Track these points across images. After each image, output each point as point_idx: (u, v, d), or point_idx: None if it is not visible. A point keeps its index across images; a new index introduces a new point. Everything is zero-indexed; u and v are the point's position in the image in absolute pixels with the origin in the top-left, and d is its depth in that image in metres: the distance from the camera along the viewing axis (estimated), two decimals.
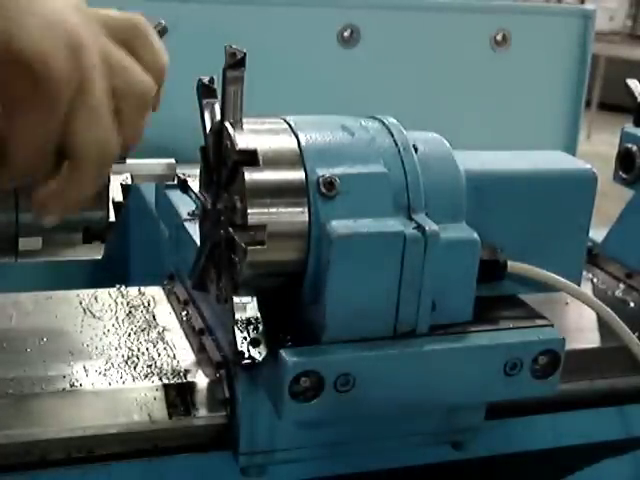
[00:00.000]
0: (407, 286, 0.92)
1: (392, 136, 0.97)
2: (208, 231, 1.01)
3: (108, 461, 1.01)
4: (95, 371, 1.07)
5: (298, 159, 0.93)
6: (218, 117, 0.97)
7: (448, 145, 1.01)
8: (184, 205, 1.26)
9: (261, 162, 0.91)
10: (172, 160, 1.11)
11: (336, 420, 1.00)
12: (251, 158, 0.91)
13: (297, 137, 0.94)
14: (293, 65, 1.88)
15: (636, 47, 8.81)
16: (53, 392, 1.03)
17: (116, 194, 1.05)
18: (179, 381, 1.06)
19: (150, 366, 1.09)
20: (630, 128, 1.51)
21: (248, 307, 0.92)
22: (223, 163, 0.96)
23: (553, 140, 2.10)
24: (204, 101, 0.99)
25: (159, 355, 1.12)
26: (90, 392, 1.04)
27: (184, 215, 1.24)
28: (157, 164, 1.10)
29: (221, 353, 1.08)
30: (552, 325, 1.02)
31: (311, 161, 0.92)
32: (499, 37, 2.01)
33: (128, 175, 1.07)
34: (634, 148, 1.47)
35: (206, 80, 0.99)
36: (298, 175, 0.92)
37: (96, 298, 1.25)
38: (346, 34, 1.89)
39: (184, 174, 1.09)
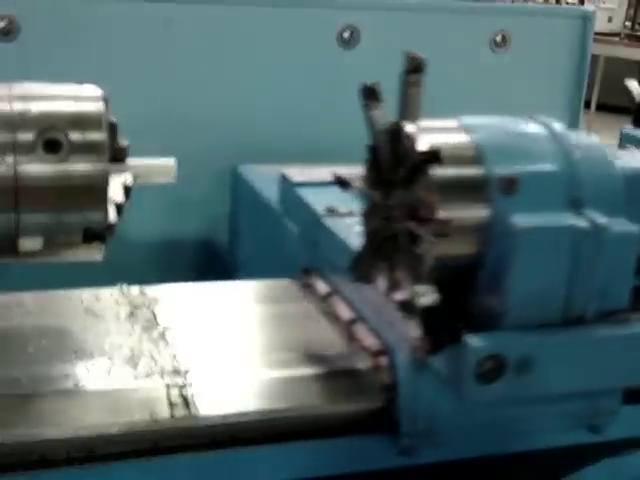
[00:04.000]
0: (579, 275, 0.97)
1: (556, 137, 1.02)
2: (378, 226, 1.04)
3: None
4: (97, 371, 1.07)
5: (478, 157, 0.98)
6: (383, 119, 1.03)
7: (602, 145, 1.06)
8: (318, 202, 1.33)
9: (444, 160, 0.96)
10: (172, 160, 1.12)
11: (514, 402, 1.05)
12: (435, 157, 0.96)
13: (474, 136, 0.99)
14: (293, 66, 1.88)
15: (635, 48, 8.81)
16: (55, 391, 1.03)
17: (116, 194, 1.05)
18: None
19: (151, 366, 1.09)
20: (629, 129, 1.51)
21: (429, 296, 0.98)
22: (399, 161, 1.00)
23: None
24: (369, 103, 1.05)
25: (160, 354, 1.12)
26: (93, 392, 1.04)
27: (321, 212, 1.31)
28: (157, 164, 1.11)
29: (379, 341, 1.13)
30: None
31: (490, 159, 0.97)
32: (499, 38, 2.02)
33: (128, 175, 1.07)
34: (633, 149, 1.48)
35: (370, 83, 1.05)
36: (479, 172, 0.97)
37: (98, 298, 1.25)
38: (346, 35, 1.90)
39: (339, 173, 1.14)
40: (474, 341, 0.95)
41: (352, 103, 1.95)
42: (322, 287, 1.31)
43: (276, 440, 1.05)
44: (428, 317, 0.97)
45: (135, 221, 1.84)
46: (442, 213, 0.94)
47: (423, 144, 0.97)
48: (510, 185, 0.96)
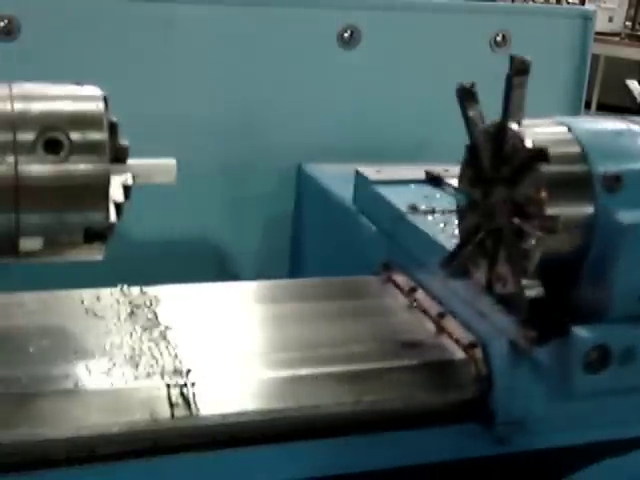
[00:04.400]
0: None
1: None
2: (477, 222, 1.08)
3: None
4: (98, 370, 1.07)
5: (582, 155, 1.00)
6: (481, 119, 1.06)
7: None
8: (398, 200, 1.38)
9: (550, 158, 0.99)
10: (172, 160, 1.12)
11: (613, 392, 1.07)
12: (542, 154, 0.99)
13: (575, 134, 1.02)
14: (293, 66, 1.88)
15: (635, 48, 8.81)
16: (56, 391, 1.03)
17: (117, 194, 1.05)
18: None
19: (152, 365, 1.09)
20: None
21: (535, 289, 1.00)
22: (502, 160, 1.03)
23: None
24: (466, 104, 1.07)
25: (161, 354, 1.12)
26: (94, 391, 1.04)
27: (403, 209, 1.35)
28: (157, 164, 1.11)
29: (471, 333, 1.17)
30: None
31: (594, 157, 1.00)
32: (499, 38, 2.02)
33: (128, 175, 1.07)
34: None
35: (467, 84, 1.08)
36: (583, 169, 1.00)
37: (99, 298, 1.25)
38: (346, 35, 1.90)
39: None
40: (581, 332, 0.98)
41: (352, 102, 1.96)
42: (404, 282, 1.35)
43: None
44: (535, 310, 0.99)
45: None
46: (550, 209, 0.98)
47: (531, 143, 1.00)
48: (614, 182, 0.99)
